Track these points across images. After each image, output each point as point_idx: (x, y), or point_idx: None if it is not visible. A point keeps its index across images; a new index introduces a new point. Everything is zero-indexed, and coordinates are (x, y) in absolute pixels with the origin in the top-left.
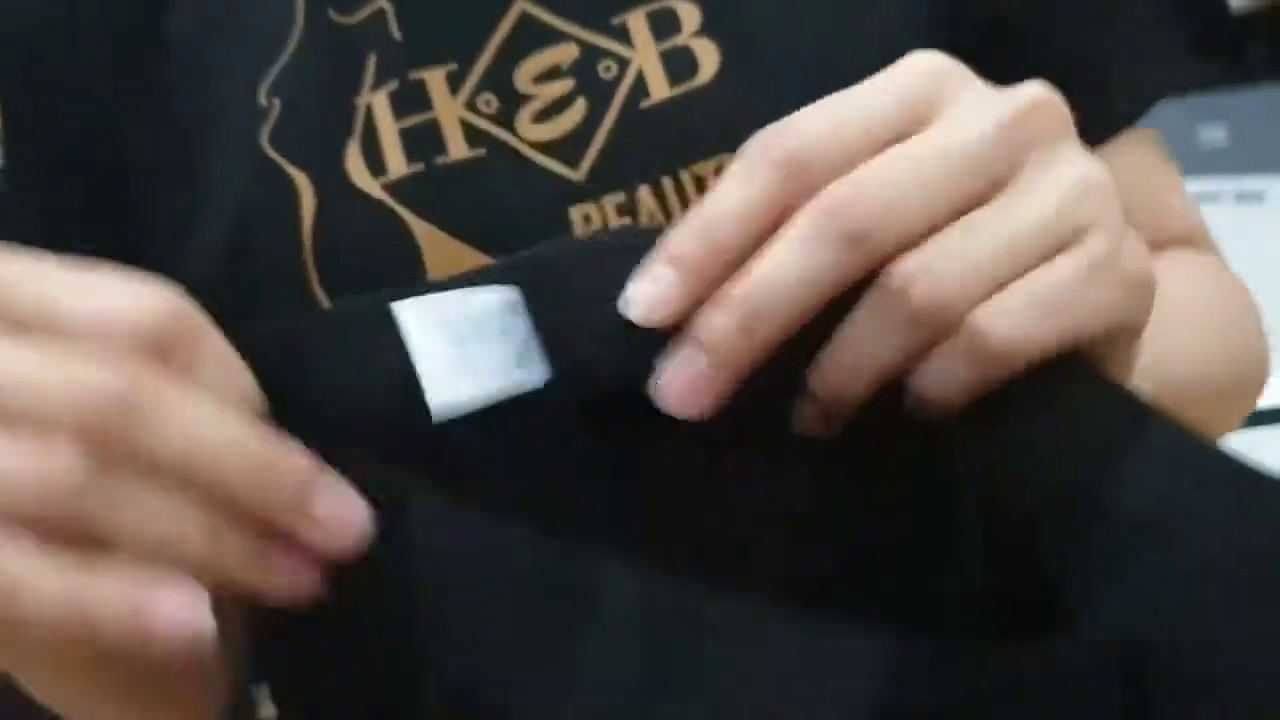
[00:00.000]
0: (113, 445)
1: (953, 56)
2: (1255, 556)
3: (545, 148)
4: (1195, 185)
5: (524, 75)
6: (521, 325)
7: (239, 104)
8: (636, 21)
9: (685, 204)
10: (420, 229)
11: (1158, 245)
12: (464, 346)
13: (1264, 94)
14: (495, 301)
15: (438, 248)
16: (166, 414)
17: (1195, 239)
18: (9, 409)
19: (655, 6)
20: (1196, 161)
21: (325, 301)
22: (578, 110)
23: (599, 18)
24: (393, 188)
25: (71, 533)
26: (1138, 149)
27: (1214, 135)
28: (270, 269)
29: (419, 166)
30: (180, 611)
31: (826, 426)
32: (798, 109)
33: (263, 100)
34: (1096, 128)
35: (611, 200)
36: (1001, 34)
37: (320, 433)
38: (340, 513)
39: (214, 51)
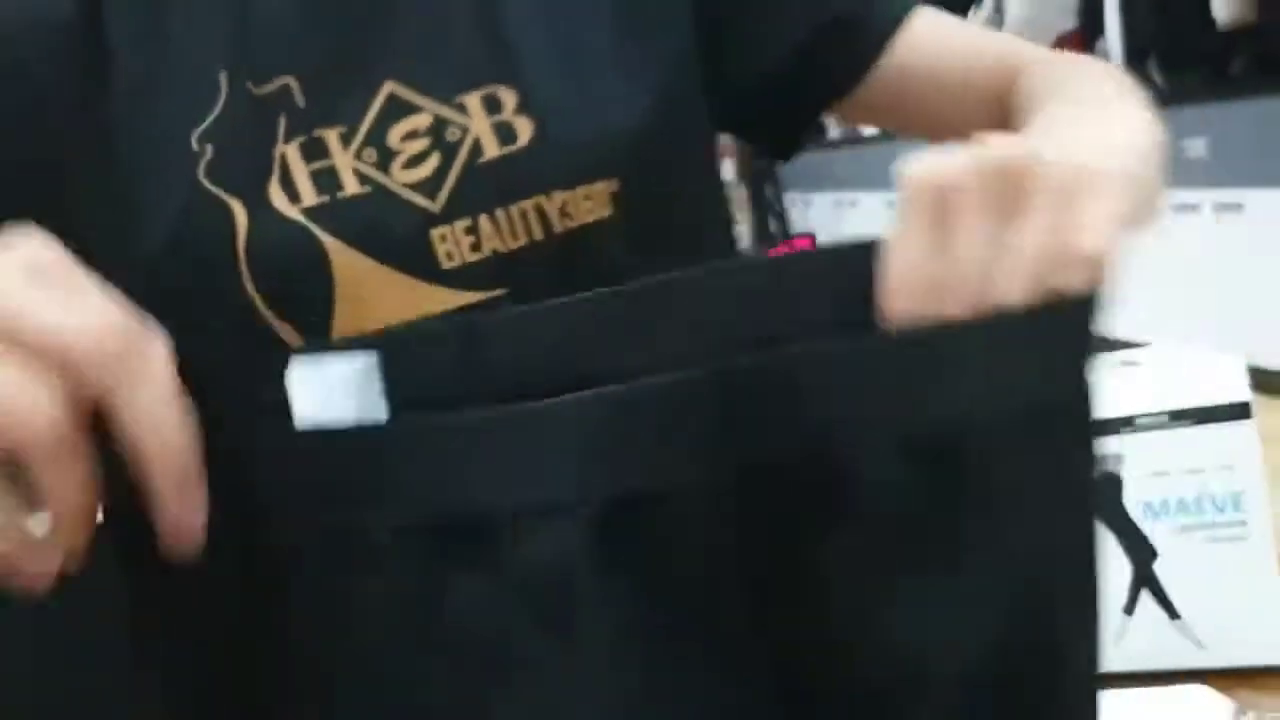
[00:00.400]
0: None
1: None
2: None
3: (412, 187)
4: (1176, 197)
5: (394, 135)
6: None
7: (174, 147)
8: (473, 101)
9: (512, 230)
10: (328, 241)
11: (1020, 64)
12: (329, 391)
13: (1245, 107)
14: (358, 364)
15: (339, 255)
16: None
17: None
18: None
19: (486, 91)
20: (1177, 173)
21: (257, 299)
22: (433, 161)
23: (446, 96)
24: (306, 212)
25: None
26: (933, 21)
27: (1195, 147)
28: (210, 274)
29: (325, 198)
30: None
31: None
32: (587, 161)
33: (195, 146)
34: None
35: (461, 225)
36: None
37: (224, 433)
38: (189, 519)
39: (150, 106)
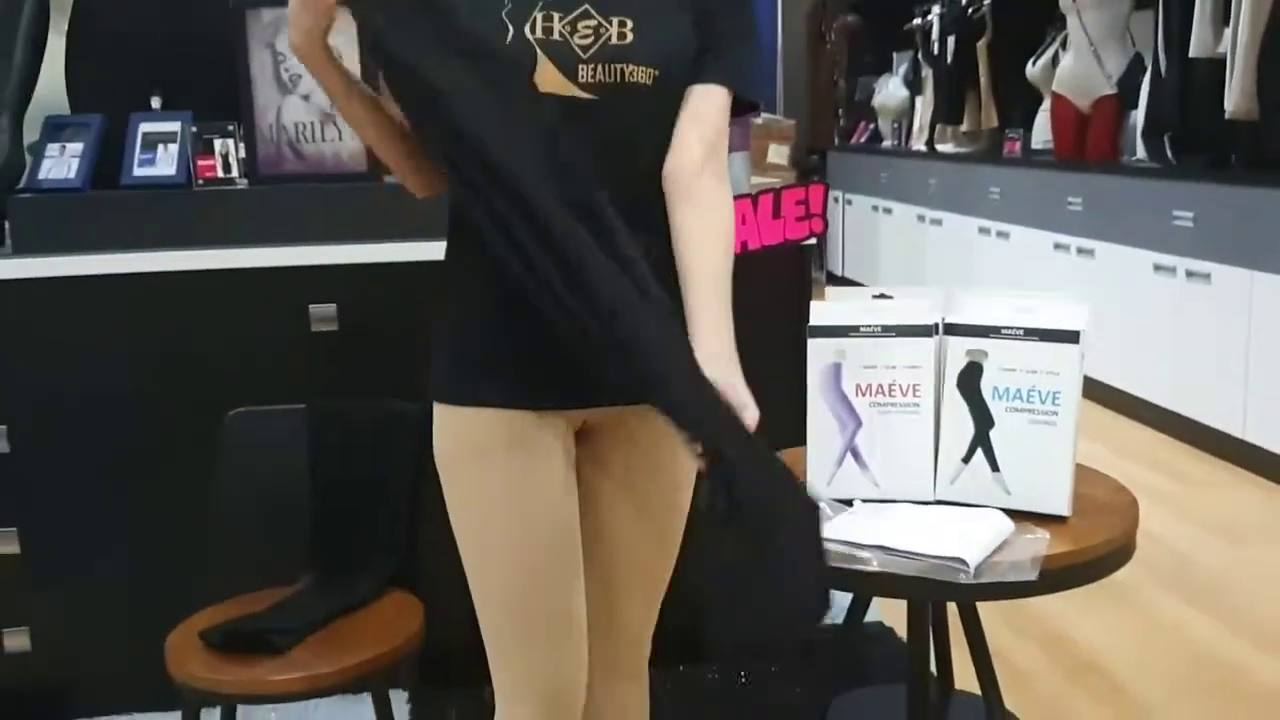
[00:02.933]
0: None
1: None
2: None
3: (579, 46)
4: (1157, 257)
5: (580, 25)
6: None
7: (491, 5)
8: (613, 20)
9: (608, 74)
10: (539, 53)
11: (687, 144)
12: None
13: (1235, 192)
14: None
15: (542, 61)
16: None
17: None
18: None
19: (618, 16)
20: (1163, 238)
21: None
22: (591, 38)
23: (605, 15)
24: (537, 41)
25: None
26: (721, 98)
27: (1184, 218)
28: (497, 61)
29: (544, 36)
30: None
31: None
32: (650, 57)
33: (505, 3)
34: (724, 81)
35: (591, 65)
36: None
37: None
38: None
39: None
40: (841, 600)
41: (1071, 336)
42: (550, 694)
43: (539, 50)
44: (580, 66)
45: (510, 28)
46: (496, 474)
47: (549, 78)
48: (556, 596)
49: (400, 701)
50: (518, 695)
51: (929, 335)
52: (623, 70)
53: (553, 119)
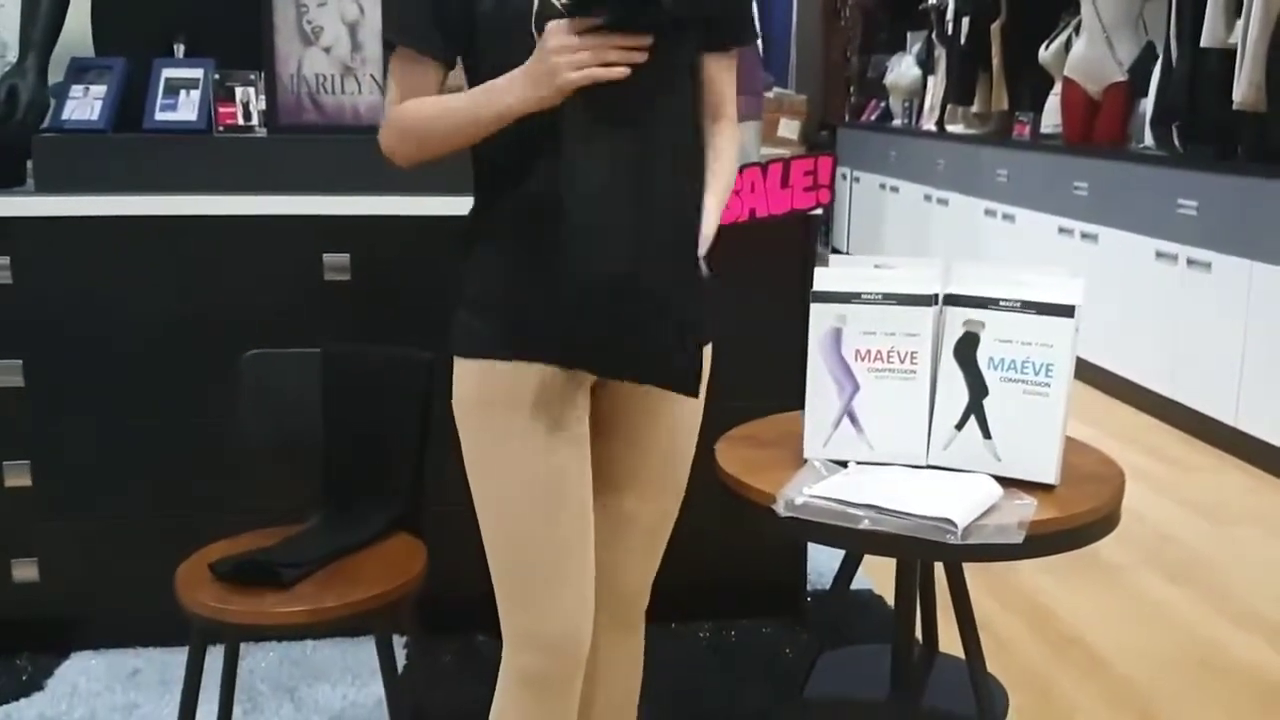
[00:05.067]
0: None
1: None
2: None
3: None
4: (1159, 244)
5: None
6: None
7: None
8: None
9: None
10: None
11: (724, 113)
12: None
13: (1239, 182)
14: None
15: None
16: None
17: (731, 111)
18: None
19: None
20: (1168, 226)
21: (534, 31)
22: None
23: None
24: (564, 4)
25: None
26: (731, 63)
27: (1188, 206)
28: (517, 19)
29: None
30: None
31: None
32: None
33: None
34: (731, 42)
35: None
36: None
37: None
38: None
39: None
40: (831, 563)
41: (1067, 311)
42: (557, 642)
43: (567, 15)
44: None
45: None
46: (516, 425)
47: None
48: (571, 547)
49: (398, 646)
50: (526, 644)
51: (929, 305)
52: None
53: None
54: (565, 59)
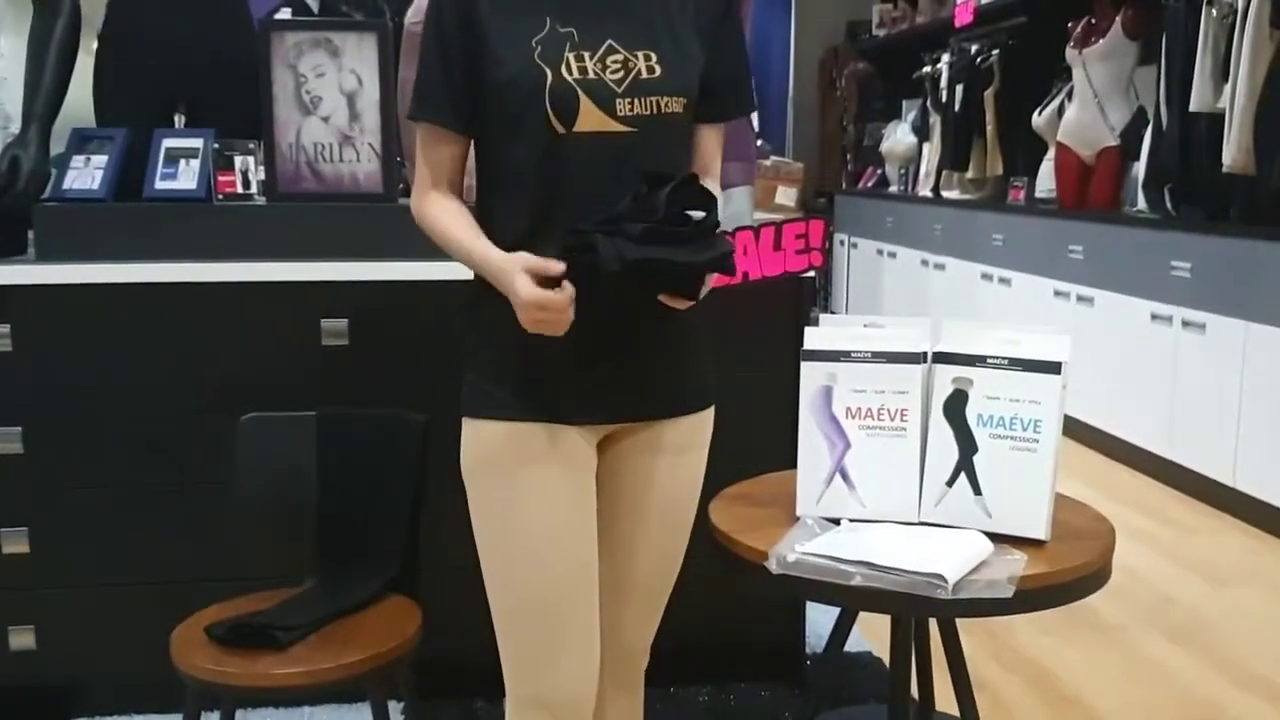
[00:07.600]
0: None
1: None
2: None
3: (613, 80)
4: (1154, 306)
5: (609, 60)
6: None
7: (523, 42)
8: (639, 54)
9: (645, 107)
10: (581, 94)
11: (710, 174)
12: None
13: (1231, 244)
14: None
15: (584, 100)
16: None
17: (717, 169)
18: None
19: (644, 50)
20: (1162, 286)
21: (550, 113)
22: (622, 73)
23: (630, 50)
24: (575, 81)
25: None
26: (720, 129)
27: (1181, 268)
28: (530, 99)
29: (581, 76)
30: None
31: None
32: (678, 87)
33: (532, 44)
34: (730, 112)
35: (627, 99)
36: (713, 50)
37: None
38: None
39: (510, 26)
40: (830, 625)
41: (1053, 367)
42: (562, 705)
43: (579, 90)
44: (617, 101)
45: (548, 71)
46: (522, 486)
47: (590, 117)
48: (577, 609)
49: (395, 712)
50: (530, 707)
51: (918, 363)
52: (657, 102)
53: (593, 156)
54: (529, 315)
